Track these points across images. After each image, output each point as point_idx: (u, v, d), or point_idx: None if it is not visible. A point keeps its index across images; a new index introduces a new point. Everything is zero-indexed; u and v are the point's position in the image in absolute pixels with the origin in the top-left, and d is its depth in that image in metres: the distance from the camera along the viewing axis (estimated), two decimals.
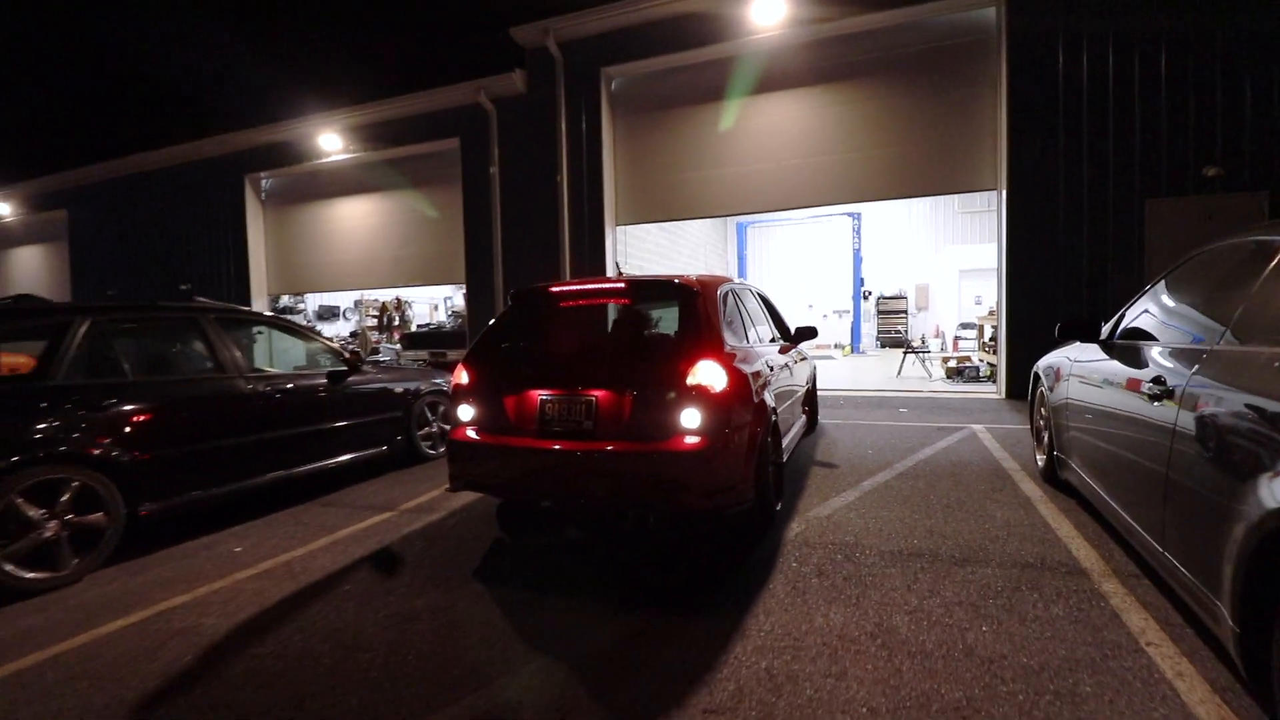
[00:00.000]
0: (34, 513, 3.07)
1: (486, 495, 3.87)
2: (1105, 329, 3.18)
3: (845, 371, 12.38)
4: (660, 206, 9.71)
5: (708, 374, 2.98)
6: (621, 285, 3.73)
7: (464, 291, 11.71)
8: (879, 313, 18.39)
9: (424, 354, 11.13)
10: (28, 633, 2.64)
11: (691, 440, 2.91)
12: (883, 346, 18.11)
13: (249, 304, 12.45)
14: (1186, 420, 2.00)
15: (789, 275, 19.02)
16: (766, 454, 3.35)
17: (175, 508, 3.67)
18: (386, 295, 18.03)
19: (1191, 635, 2.17)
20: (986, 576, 2.74)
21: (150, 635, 2.56)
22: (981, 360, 10.32)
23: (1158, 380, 2.26)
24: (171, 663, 2.32)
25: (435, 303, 20.66)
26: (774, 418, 3.54)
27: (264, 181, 12.82)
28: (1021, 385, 6.66)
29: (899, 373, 11.39)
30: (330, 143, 11.31)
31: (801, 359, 5.24)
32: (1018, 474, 4.36)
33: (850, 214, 17.49)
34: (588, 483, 3.05)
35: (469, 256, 10.49)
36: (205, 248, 13.07)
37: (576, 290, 3.77)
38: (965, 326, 15.27)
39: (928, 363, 11.62)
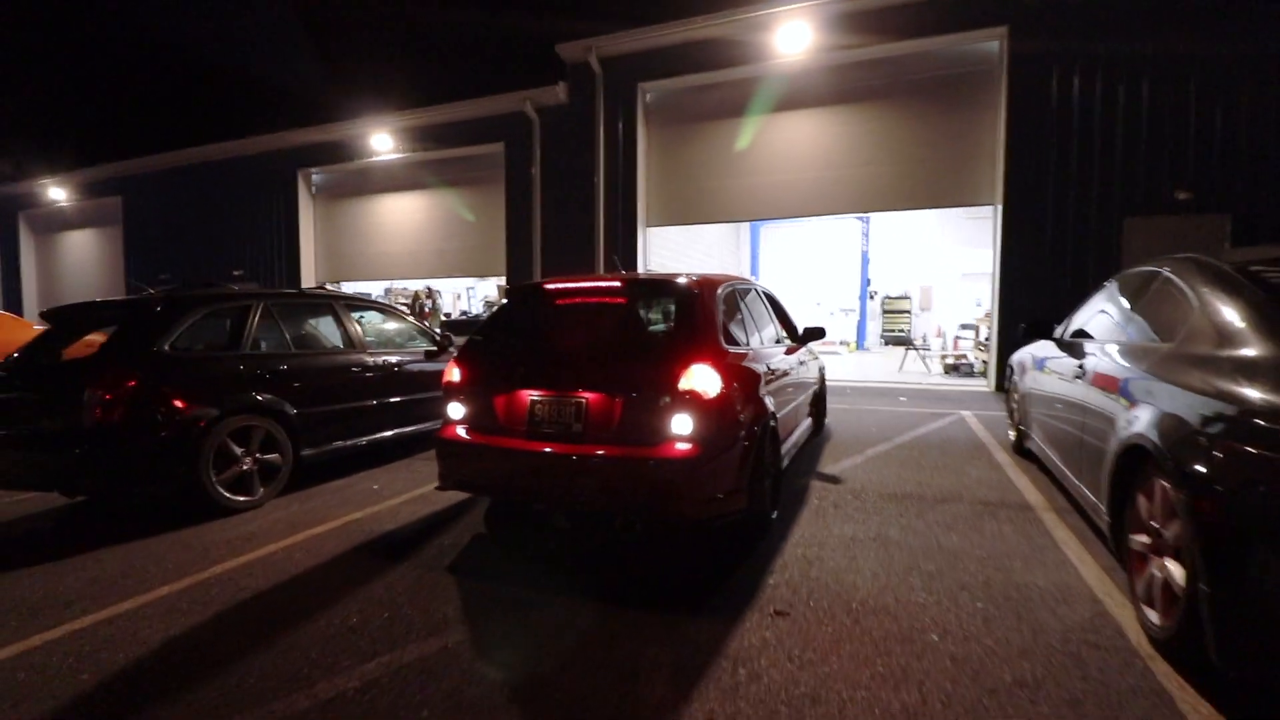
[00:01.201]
0: (236, 450, 4.05)
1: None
2: (1059, 329, 4.12)
3: (851, 366, 13.31)
4: (688, 210, 10.65)
5: (701, 378, 2.88)
6: (618, 284, 3.51)
7: (499, 283, 12.65)
8: (884, 312, 19.26)
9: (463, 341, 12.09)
10: (251, 536, 3.61)
11: (683, 447, 2.82)
12: (886, 344, 18.99)
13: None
14: (1090, 392, 2.96)
15: (799, 274, 19.91)
16: (764, 462, 3.26)
17: (324, 454, 4.65)
18: (416, 285, 18.96)
19: (1095, 542, 3.13)
20: (958, 509, 3.70)
21: (350, 535, 3.54)
22: (977, 358, 11.25)
23: (1080, 365, 3.21)
24: (376, 550, 3.31)
25: (458, 293, 21.61)
26: (773, 423, 3.45)
27: (315, 176, 13.78)
28: None
29: (901, 368, 12.33)
30: (382, 143, 12.25)
31: (809, 359, 5.17)
32: (993, 447, 5.32)
33: (859, 217, 18.34)
34: (575, 487, 2.96)
35: (510, 251, 11.45)
36: (258, 236, 14.06)
37: (572, 288, 3.62)
38: (965, 327, 16.14)
39: (927, 360, 12.56)
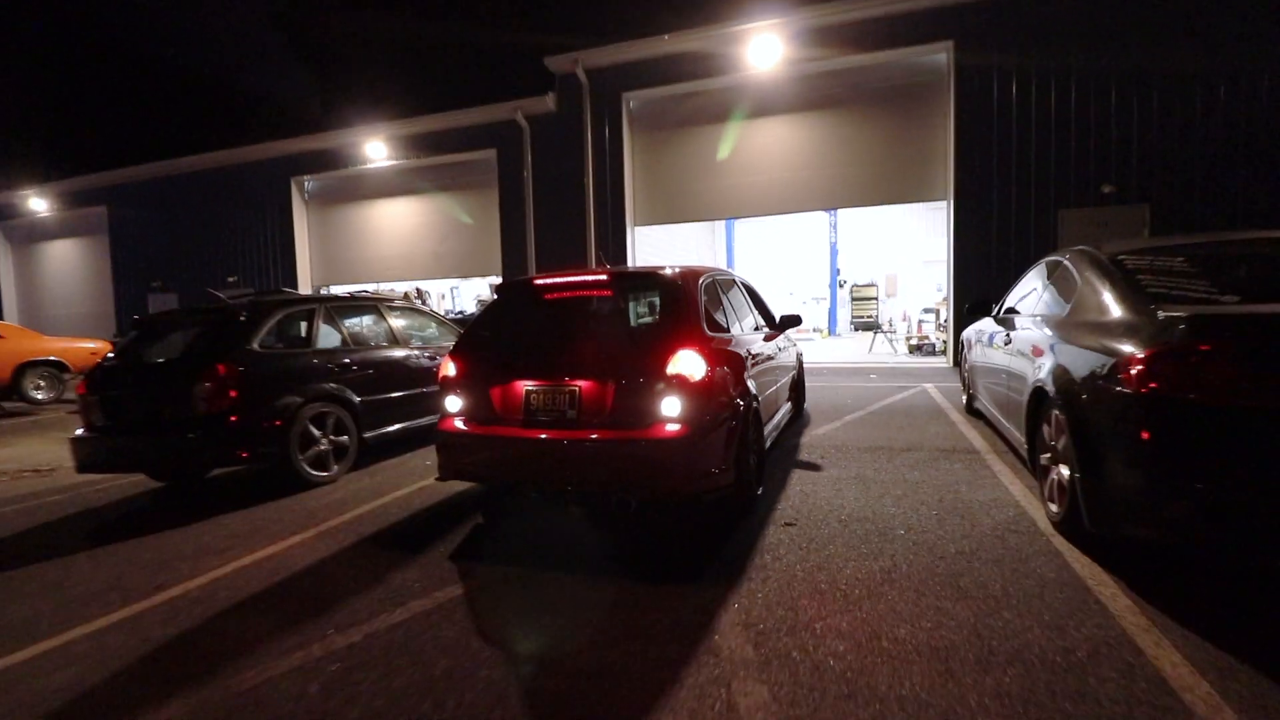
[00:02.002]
0: (316, 433, 4.73)
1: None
2: (995, 308, 5.05)
3: (825, 350, 14.32)
4: (673, 210, 11.46)
5: (687, 363, 3.04)
6: (604, 277, 3.67)
7: (491, 282, 13.27)
8: (852, 299, 20.38)
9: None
10: (341, 501, 4.30)
11: (672, 428, 2.97)
12: (856, 330, 20.14)
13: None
14: (1014, 356, 3.87)
15: (772, 266, 20.90)
16: (748, 441, 3.45)
17: (381, 437, 5.34)
18: (402, 286, 19.41)
19: (1022, 473, 4.05)
20: (920, 455, 4.60)
21: (428, 495, 4.27)
22: (938, 338, 12.33)
23: (1008, 335, 4.13)
24: (450, 505, 4.05)
25: (443, 293, 22.08)
26: (755, 404, 3.65)
27: (308, 183, 14.19)
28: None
29: (870, 350, 13.37)
30: (375, 151, 12.76)
31: (788, 346, 5.44)
32: (950, 410, 6.27)
33: (828, 212, 19.39)
34: (572, 471, 3.10)
35: (505, 251, 12.12)
36: (252, 242, 14.41)
37: (560, 282, 3.75)
38: (927, 310, 17.36)
39: (894, 342, 13.63)
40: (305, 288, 14.19)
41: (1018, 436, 3.85)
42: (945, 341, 11.22)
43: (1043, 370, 3.19)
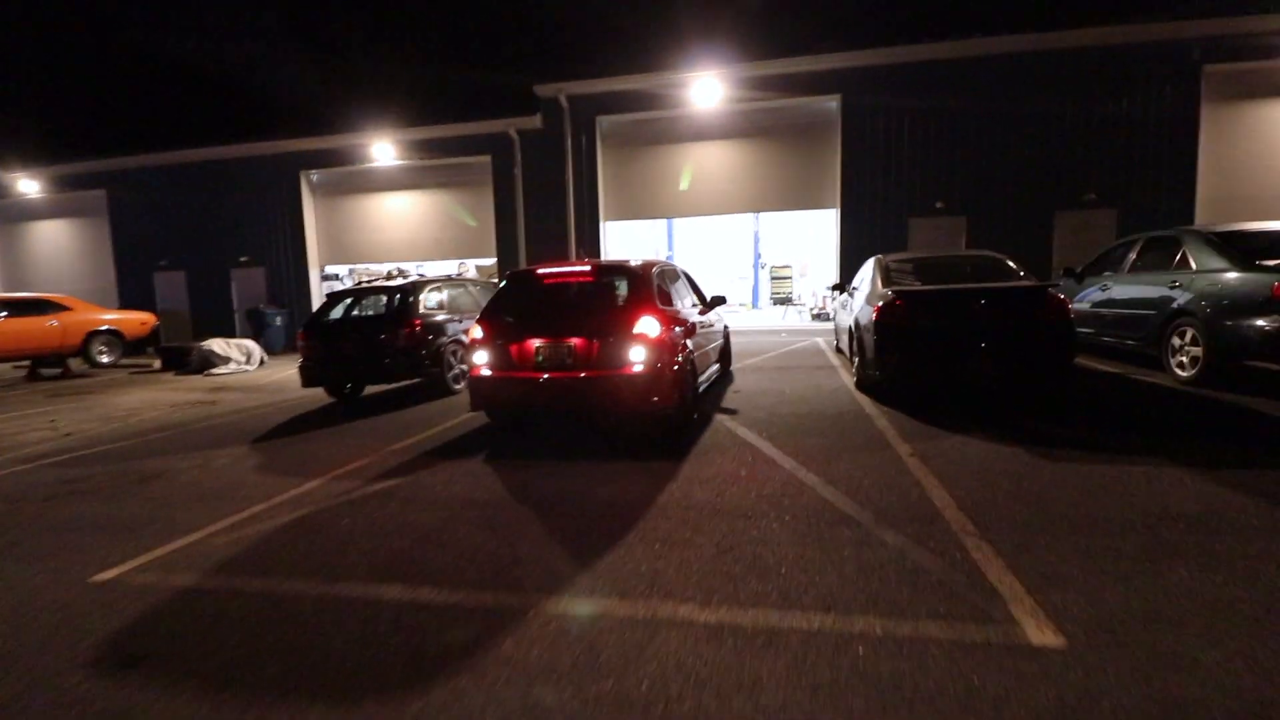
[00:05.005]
0: (453, 361, 7.72)
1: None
2: (849, 287, 8.71)
3: (749, 319, 18.10)
4: (635, 209, 14.68)
5: (646, 326, 4.44)
6: (588, 267, 5.18)
7: (477, 263, 16.03)
8: (771, 278, 24.37)
9: None
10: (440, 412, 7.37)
11: (637, 369, 4.40)
12: (775, 304, 24.15)
13: (307, 271, 16.08)
14: (848, 313, 7.53)
15: (707, 251, 24.49)
16: (687, 380, 4.94)
17: None
18: (382, 267, 21.53)
19: (849, 373, 7.72)
20: (803, 370, 8.21)
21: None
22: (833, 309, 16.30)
23: (849, 300, 7.78)
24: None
25: (421, 272, 24.25)
26: (693, 357, 5.19)
27: (315, 176, 16.25)
28: None
29: (784, 318, 17.23)
30: (382, 151, 15.08)
31: (716, 320, 7.07)
32: (827, 351, 10.01)
33: (751, 213, 23.08)
34: (568, 399, 4.57)
35: (499, 239, 14.93)
36: (262, 226, 16.32)
37: (556, 271, 5.23)
38: (829, 288, 21.55)
39: (801, 313, 17.56)
40: (314, 267, 16.35)
41: (848, 352, 7.49)
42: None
43: (857, 313, 6.80)
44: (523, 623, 2.30)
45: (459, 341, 7.88)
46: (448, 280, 8.49)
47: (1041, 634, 2.06)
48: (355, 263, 16.88)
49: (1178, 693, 1.76)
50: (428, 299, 7.72)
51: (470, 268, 16.71)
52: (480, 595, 2.54)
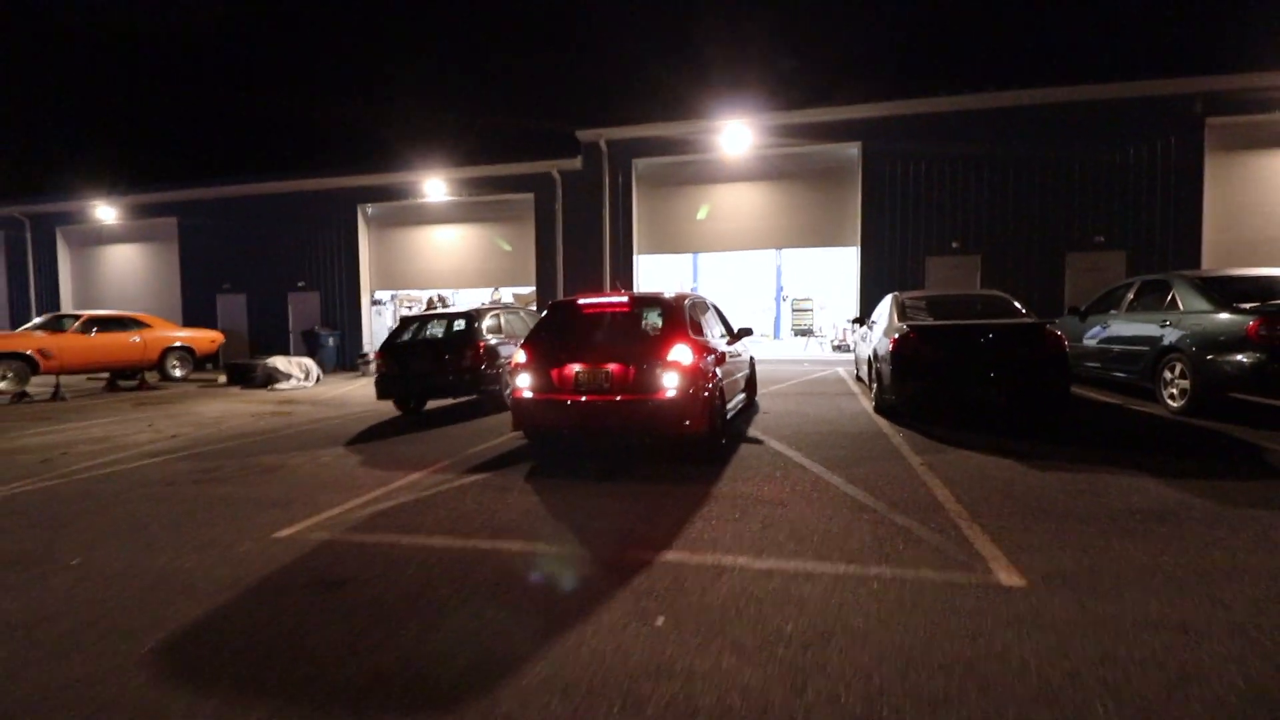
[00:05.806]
0: (509, 380, 8.60)
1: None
2: (867, 320, 9.48)
3: (771, 349, 18.85)
4: (665, 244, 15.68)
5: (679, 353, 4.74)
6: (625, 298, 5.51)
7: (514, 291, 17.07)
8: (793, 310, 25.14)
9: None
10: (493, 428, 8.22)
11: (670, 394, 4.67)
12: (795, 335, 24.86)
13: (359, 297, 17.26)
14: (867, 344, 8.30)
15: (731, 283, 25.43)
16: (716, 406, 5.12)
17: None
18: (425, 293, 22.78)
19: (869, 398, 8.44)
20: (826, 396, 8.94)
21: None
22: (854, 342, 17.01)
23: (867, 332, 8.55)
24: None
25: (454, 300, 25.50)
26: (722, 384, 5.39)
27: (370, 209, 17.58)
28: None
29: (805, 349, 17.96)
30: (434, 188, 16.35)
31: (743, 351, 7.30)
32: (847, 379, 10.72)
33: (775, 249, 24.03)
34: (606, 421, 4.84)
35: (539, 269, 15.99)
36: (318, 253, 17.61)
37: (595, 301, 5.59)
38: (850, 321, 22.27)
39: (821, 344, 18.28)
40: (365, 293, 17.55)
41: (867, 380, 8.23)
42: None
43: (875, 344, 7.56)
44: (621, 566, 3.08)
45: None
46: (504, 307, 9.45)
47: (1010, 578, 2.79)
48: (402, 289, 18.06)
49: (1102, 610, 2.49)
50: (488, 324, 8.66)
51: (505, 295, 17.85)
52: (581, 550, 3.33)
